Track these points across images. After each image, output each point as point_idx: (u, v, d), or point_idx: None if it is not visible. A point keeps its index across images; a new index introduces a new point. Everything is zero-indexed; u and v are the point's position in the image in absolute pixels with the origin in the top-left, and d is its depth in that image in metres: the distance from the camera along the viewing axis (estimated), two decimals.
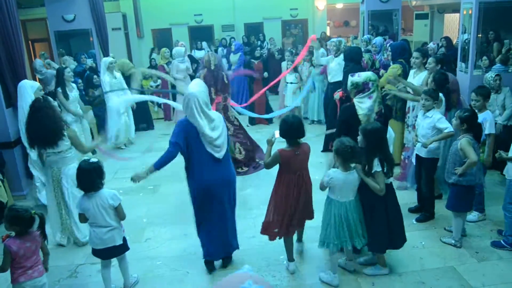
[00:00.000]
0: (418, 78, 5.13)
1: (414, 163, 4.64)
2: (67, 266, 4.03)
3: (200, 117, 3.42)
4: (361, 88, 3.75)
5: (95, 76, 7.57)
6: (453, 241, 4.01)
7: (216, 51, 11.57)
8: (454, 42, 8.45)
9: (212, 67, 5.88)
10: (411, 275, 3.62)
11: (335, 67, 6.69)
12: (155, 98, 7.15)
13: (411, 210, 4.68)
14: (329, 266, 3.58)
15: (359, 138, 3.40)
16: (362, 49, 7.02)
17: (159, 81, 9.38)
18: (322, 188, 3.49)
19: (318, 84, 8.16)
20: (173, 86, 9.12)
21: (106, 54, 8.43)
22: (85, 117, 6.47)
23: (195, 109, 3.40)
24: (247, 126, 8.14)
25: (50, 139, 4.05)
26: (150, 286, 3.70)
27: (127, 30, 13.21)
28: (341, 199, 3.40)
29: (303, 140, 3.61)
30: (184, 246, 4.23)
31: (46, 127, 4.03)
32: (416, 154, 4.47)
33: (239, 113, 7.11)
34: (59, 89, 6.00)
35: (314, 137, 6.98)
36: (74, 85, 6.28)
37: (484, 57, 6.01)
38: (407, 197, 4.88)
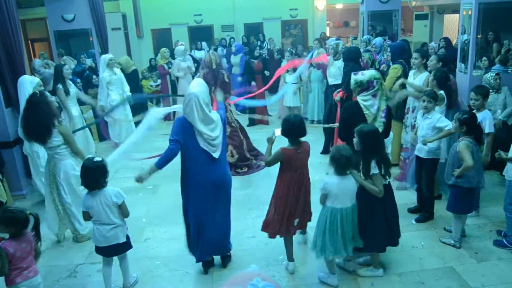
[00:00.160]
0: (419, 79, 5.12)
1: (415, 165, 4.64)
2: (66, 265, 4.03)
3: (199, 117, 3.41)
4: (365, 87, 3.77)
5: (94, 76, 7.57)
6: (452, 242, 4.01)
7: (215, 51, 11.57)
8: (453, 43, 8.45)
9: (214, 66, 5.88)
10: (411, 275, 3.62)
11: (336, 72, 6.60)
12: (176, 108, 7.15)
13: (411, 211, 4.68)
14: (328, 267, 3.58)
15: (355, 140, 3.40)
16: (362, 50, 7.02)
17: (159, 81, 9.39)
18: (322, 200, 3.43)
19: (317, 84, 8.17)
20: (173, 86, 9.13)
21: (105, 54, 8.42)
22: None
23: (195, 109, 3.40)
24: (247, 126, 8.14)
25: (40, 135, 4.09)
26: (150, 286, 3.70)
27: (127, 30, 13.22)
28: (337, 205, 3.34)
29: (302, 139, 3.62)
30: (183, 246, 4.20)
31: (38, 123, 4.06)
32: (416, 155, 4.47)
33: (239, 114, 7.11)
34: (60, 86, 6.00)
35: (313, 137, 6.98)
36: (71, 83, 6.30)
37: (484, 58, 6.02)
38: (406, 197, 4.88)
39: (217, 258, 3.87)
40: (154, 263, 4.00)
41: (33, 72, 8.05)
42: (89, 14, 8.08)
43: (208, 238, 3.64)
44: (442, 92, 4.61)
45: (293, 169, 3.54)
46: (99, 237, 3.36)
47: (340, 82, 6.26)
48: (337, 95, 5.70)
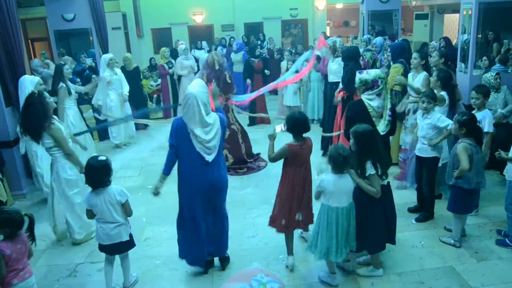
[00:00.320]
0: (417, 79, 5.13)
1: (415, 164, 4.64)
2: (67, 265, 4.03)
3: (195, 118, 3.37)
4: (370, 86, 3.79)
5: (94, 76, 7.56)
6: (452, 241, 4.01)
7: (215, 50, 11.58)
8: (454, 43, 8.45)
9: (217, 67, 5.87)
10: (410, 275, 3.63)
11: (336, 68, 6.60)
12: None
13: (411, 210, 4.68)
14: (328, 267, 3.58)
15: (351, 141, 3.40)
16: (362, 49, 7.01)
17: (159, 81, 9.38)
18: (317, 196, 3.45)
19: (316, 83, 8.18)
20: (173, 86, 9.13)
21: (105, 53, 8.42)
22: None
23: (193, 109, 3.37)
24: (247, 126, 8.14)
25: (33, 135, 4.11)
26: (150, 285, 3.70)
27: (127, 30, 13.21)
28: (332, 204, 3.33)
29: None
30: None
31: (31, 123, 4.07)
32: (417, 155, 4.46)
33: (240, 112, 7.09)
34: (63, 85, 5.97)
35: (314, 136, 6.96)
36: (69, 82, 6.29)
37: (484, 57, 6.02)
38: (406, 197, 4.89)
39: (216, 259, 3.87)
40: (154, 263, 4.00)
41: (32, 72, 8.05)
42: (89, 14, 8.08)
43: (204, 240, 3.62)
44: (442, 93, 4.61)
45: (298, 164, 3.60)
46: (103, 235, 3.38)
47: (340, 79, 6.27)
48: (338, 96, 5.68)
